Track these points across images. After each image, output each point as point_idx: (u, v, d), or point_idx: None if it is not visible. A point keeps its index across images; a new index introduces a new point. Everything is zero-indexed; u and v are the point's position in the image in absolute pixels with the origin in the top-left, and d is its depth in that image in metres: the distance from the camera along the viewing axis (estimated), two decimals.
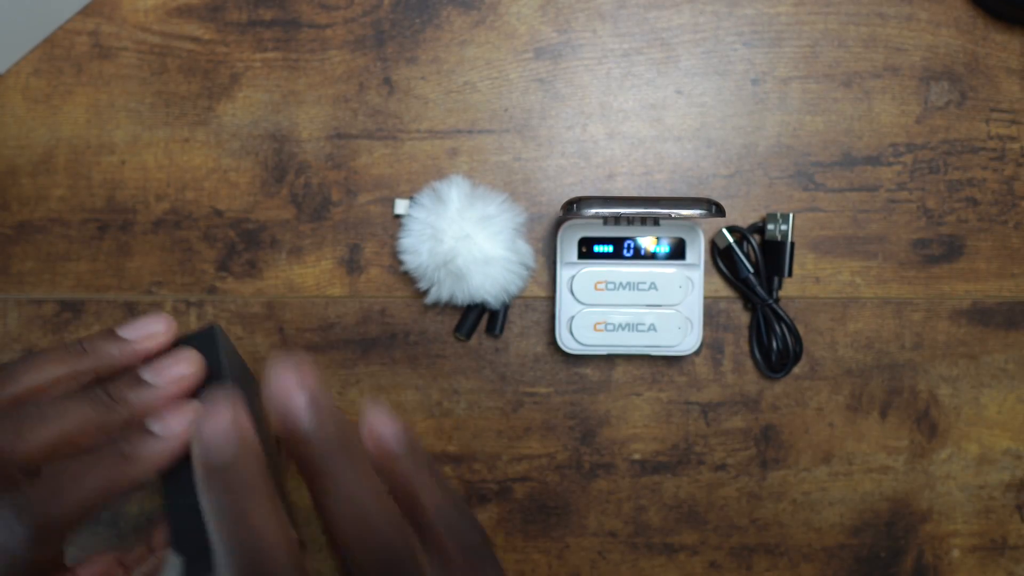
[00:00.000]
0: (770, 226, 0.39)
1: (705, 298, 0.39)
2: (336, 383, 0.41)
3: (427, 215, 0.37)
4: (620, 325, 0.38)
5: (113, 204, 0.41)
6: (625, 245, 0.37)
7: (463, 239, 0.37)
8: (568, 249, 0.38)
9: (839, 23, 0.40)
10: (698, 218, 0.34)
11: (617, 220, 0.37)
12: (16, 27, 0.40)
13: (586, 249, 0.38)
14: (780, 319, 0.39)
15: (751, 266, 0.39)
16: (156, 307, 0.41)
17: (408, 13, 0.40)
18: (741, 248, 0.39)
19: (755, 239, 0.39)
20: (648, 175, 0.40)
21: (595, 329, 0.37)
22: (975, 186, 0.40)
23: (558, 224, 0.39)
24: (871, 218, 0.40)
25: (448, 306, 0.40)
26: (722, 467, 0.40)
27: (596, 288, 0.38)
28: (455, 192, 0.37)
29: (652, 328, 0.37)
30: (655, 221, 0.37)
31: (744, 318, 0.40)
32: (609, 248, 0.37)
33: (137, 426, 0.24)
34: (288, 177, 0.41)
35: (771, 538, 0.41)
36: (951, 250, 0.40)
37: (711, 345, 0.40)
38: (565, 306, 0.38)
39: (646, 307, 0.38)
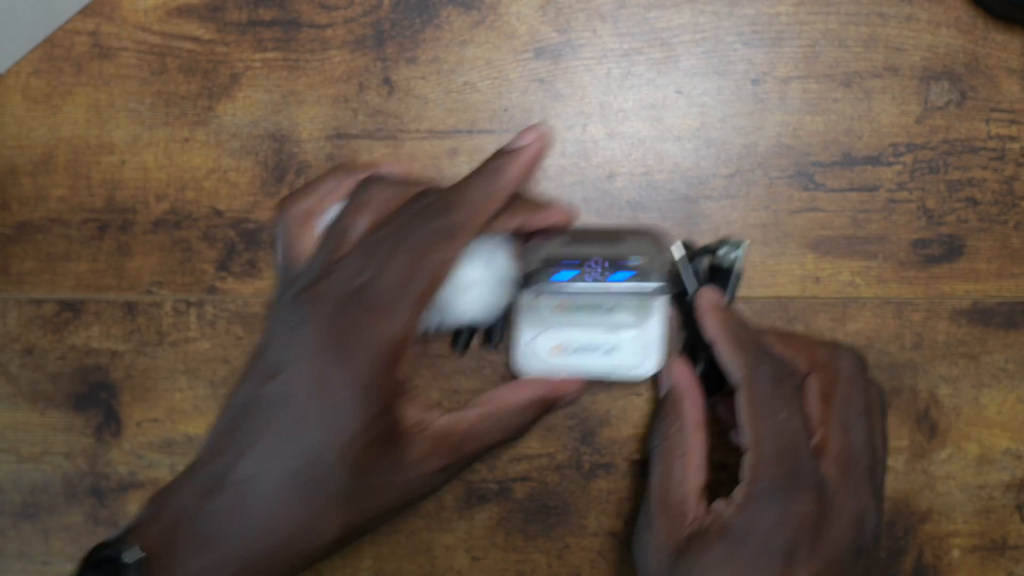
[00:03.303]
0: (722, 250, 0.38)
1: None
2: None
3: None
4: (579, 348, 0.37)
5: (113, 204, 0.41)
6: (587, 274, 0.35)
7: None
8: (533, 290, 0.37)
9: (839, 23, 0.40)
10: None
11: (578, 240, 0.36)
12: (16, 27, 0.40)
13: (548, 273, 0.36)
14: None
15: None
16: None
17: (408, 13, 0.40)
18: (691, 266, 0.39)
19: (705, 261, 0.39)
20: (648, 175, 0.40)
21: (554, 352, 0.37)
22: (975, 186, 0.40)
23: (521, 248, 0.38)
24: (871, 218, 0.40)
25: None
26: (722, 467, 0.40)
27: (555, 311, 0.37)
28: None
29: (612, 351, 0.37)
30: (621, 240, 0.36)
31: (744, 317, 0.40)
32: (569, 274, 0.35)
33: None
34: (288, 177, 0.41)
35: None
36: (951, 250, 0.40)
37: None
38: (524, 328, 0.37)
39: (606, 330, 0.37)
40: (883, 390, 0.34)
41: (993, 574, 0.41)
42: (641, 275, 0.34)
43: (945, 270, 0.40)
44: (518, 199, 0.35)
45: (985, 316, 0.40)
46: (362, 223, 0.33)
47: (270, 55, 0.41)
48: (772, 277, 0.40)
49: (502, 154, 0.34)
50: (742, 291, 0.40)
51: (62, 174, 0.41)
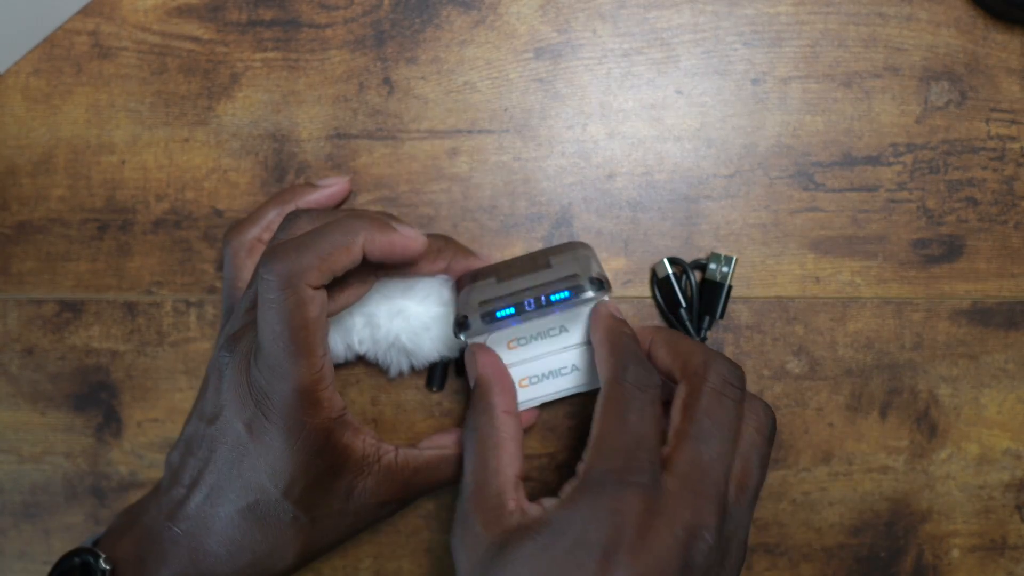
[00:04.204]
0: (712, 266, 0.39)
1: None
2: (336, 383, 0.41)
3: (356, 305, 0.36)
4: (543, 375, 0.37)
5: (113, 204, 0.41)
6: (525, 301, 0.34)
7: (397, 316, 0.36)
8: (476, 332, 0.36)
9: (839, 23, 0.40)
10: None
11: (505, 278, 0.36)
12: (16, 27, 0.40)
13: (487, 315, 0.35)
14: None
15: (685, 301, 0.39)
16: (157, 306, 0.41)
17: (408, 13, 0.40)
18: (679, 282, 0.39)
19: (696, 276, 0.39)
20: (648, 175, 0.40)
21: (521, 386, 0.36)
22: (975, 186, 0.40)
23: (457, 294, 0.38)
24: (871, 218, 0.40)
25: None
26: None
27: (509, 347, 0.37)
28: None
29: (575, 368, 0.36)
30: (547, 264, 0.36)
31: (744, 318, 0.40)
32: (511, 310, 0.34)
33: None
34: (288, 177, 0.41)
35: (771, 538, 0.41)
36: (951, 250, 0.40)
37: (711, 345, 0.40)
38: None
39: (563, 350, 0.37)
40: (771, 410, 0.32)
41: (993, 574, 0.41)
42: (574, 290, 0.33)
43: (945, 270, 0.40)
44: (443, 243, 0.36)
45: (985, 316, 0.40)
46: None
47: (270, 55, 0.41)
48: (772, 277, 0.40)
49: (353, 215, 0.32)
50: (742, 292, 0.40)
51: (62, 174, 0.41)
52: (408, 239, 0.32)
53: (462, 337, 0.33)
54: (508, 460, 0.31)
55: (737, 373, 0.31)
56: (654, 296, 0.40)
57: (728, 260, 0.39)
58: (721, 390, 0.30)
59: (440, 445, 0.35)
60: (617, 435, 0.29)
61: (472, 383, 0.34)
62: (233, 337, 0.32)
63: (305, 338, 0.29)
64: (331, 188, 0.39)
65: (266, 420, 0.30)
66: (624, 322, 0.34)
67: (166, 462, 0.34)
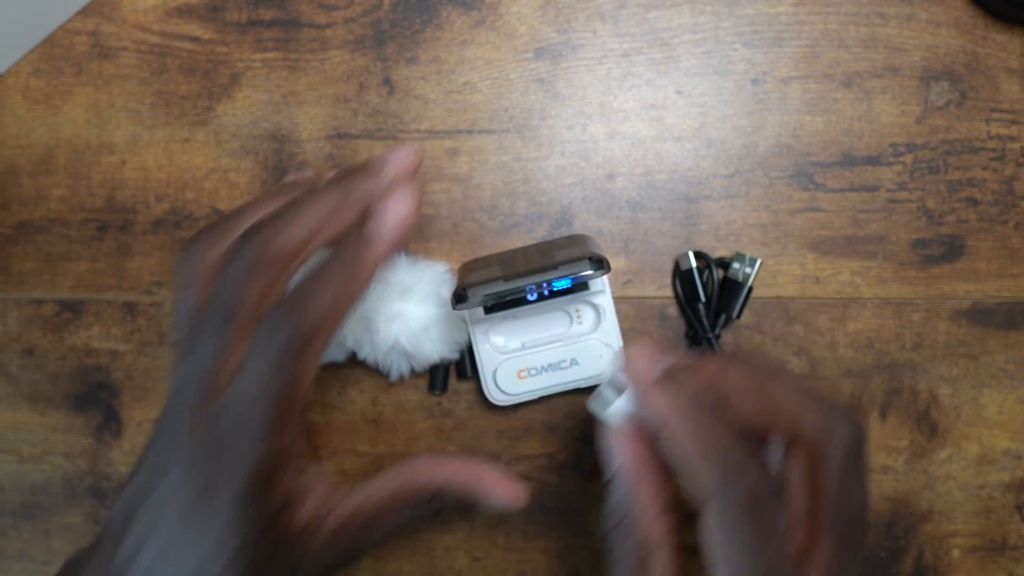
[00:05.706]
0: (735, 265, 0.39)
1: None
2: (336, 383, 0.41)
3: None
4: (543, 367, 0.37)
5: (113, 204, 0.41)
6: (527, 290, 0.34)
7: (396, 319, 0.36)
8: (474, 309, 0.36)
9: (839, 23, 0.40)
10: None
11: (509, 268, 0.36)
12: (16, 27, 0.40)
13: (491, 304, 0.36)
14: None
15: (705, 296, 0.39)
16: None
17: (408, 13, 0.40)
18: (702, 276, 0.39)
19: (718, 272, 0.39)
20: (648, 175, 0.40)
21: (519, 377, 0.37)
22: (975, 186, 0.40)
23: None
24: (871, 218, 0.40)
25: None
26: None
27: (511, 339, 0.37)
28: None
29: (574, 362, 0.37)
30: (550, 255, 0.36)
31: (744, 318, 0.40)
32: (513, 298, 0.34)
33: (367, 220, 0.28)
34: (288, 177, 0.41)
35: None
36: (951, 250, 0.40)
37: None
38: (486, 360, 0.37)
39: (564, 344, 0.37)
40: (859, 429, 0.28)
41: (993, 574, 0.41)
42: (576, 278, 0.33)
43: (945, 270, 0.40)
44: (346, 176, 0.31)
45: (985, 316, 0.40)
46: (251, 294, 0.27)
47: (270, 55, 0.41)
48: (772, 277, 0.40)
49: (360, 242, 0.28)
50: None
51: (62, 174, 0.41)
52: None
53: (460, 308, 0.33)
54: (666, 563, 0.29)
55: (862, 432, 0.27)
56: (674, 287, 0.40)
57: (752, 261, 0.39)
58: (852, 464, 0.26)
59: (399, 475, 0.32)
60: (754, 560, 0.25)
61: (607, 467, 0.30)
62: (194, 378, 0.28)
63: (289, 411, 0.27)
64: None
65: (219, 490, 0.27)
66: (694, 387, 0.28)
67: (107, 520, 0.29)
